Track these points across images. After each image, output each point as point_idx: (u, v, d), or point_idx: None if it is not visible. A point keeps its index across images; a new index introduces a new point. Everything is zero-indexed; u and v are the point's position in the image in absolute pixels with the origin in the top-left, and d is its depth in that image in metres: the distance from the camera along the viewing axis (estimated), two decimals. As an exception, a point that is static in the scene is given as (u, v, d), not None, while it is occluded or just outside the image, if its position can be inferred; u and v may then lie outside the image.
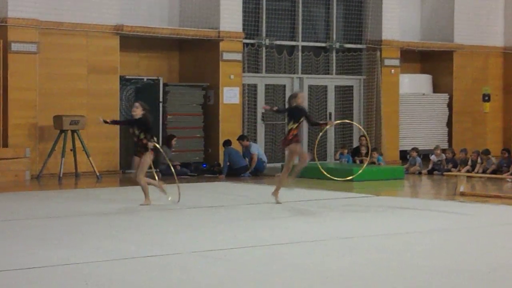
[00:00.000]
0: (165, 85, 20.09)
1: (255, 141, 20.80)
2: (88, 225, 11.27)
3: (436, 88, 24.19)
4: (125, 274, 8.01)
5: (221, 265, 8.47)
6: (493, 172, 18.52)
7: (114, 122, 14.75)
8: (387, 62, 22.61)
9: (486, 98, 24.44)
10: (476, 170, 18.80)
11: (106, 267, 8.37)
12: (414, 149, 20.31)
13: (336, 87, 22.56)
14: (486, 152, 19.28)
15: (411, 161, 19.99)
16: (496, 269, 8.25)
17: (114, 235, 10.35)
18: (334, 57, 22.48)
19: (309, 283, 7.62)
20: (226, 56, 20.27)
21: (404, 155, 22.65)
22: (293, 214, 12.60)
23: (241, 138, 19.38)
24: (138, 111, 13.07)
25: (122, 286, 7.55)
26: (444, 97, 23.98)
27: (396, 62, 22.76)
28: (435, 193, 16.55)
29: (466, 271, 8.18)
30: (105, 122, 13.66)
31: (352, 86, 22.75)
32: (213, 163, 19.78)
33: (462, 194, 15.08)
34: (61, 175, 17.71)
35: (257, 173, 19.10)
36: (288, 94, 21.64)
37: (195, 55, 20.68)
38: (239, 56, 20.47)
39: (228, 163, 18.90)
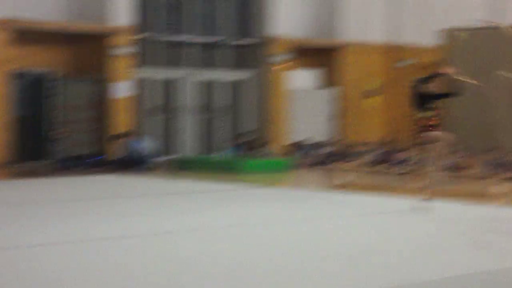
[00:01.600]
0: (55, 79, 20.12)
1: (148, 135, 21.06)
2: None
3: (325, 83, 24.90)
4: None
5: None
6: (376, 164, 19.26)
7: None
8: (277, 57, 23.15)
9: (371, 93, 25.27)
10: (360, 162, 19.52)
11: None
12: (297, 143, 20.95)
13: (227, 81, 22.98)
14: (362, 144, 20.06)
15: (297, 153, 20.60)
16: (361, 253, 8.78)
17: None
18: (225, 52, 22.89)
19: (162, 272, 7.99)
20: (116, 50, 20.43)
21: (294, 149, 23.33)
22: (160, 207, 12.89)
23: (126, 134, 19.59)
24: None
25: None
26: (333, 92, 24.71)
27: (286, 57, 23.32)
28: (316, 184, 17.18)
29: (333, 255, 8.68)
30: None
31: (243, 81, 23.22)
32: (106, 156, 19.97)
33: (342, 185, 15.72)
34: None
35: (149, 165, 19.38)
36: (181, 88, 22.04)
37: (87, 49, 20.76)
38: (129, 50, 20.66)
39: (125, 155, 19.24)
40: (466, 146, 19.46)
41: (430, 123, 12.16)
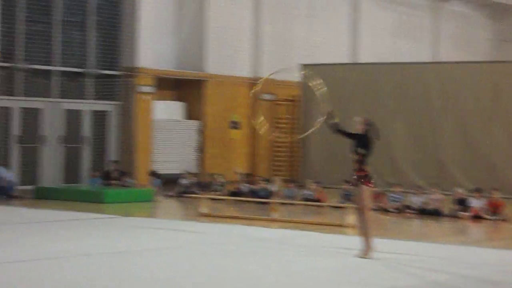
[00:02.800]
0: None
1: (7, 164, 20.98)
2: None
3: (189, 115, 25.41)
4: None
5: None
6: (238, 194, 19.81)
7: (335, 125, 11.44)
8: (141, 89, 23.51)
9: (234, 125, 25.97)
10: (222, 192, 20.04)
11: None
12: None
13: (91, 112, 23.15)
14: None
15: (156, 183, 20.90)
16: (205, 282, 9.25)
17: None
18: (90, 83, 23.08)
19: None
20: (-20, 78, 20.36)
21: (154, 178, 23.72)
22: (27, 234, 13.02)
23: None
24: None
25: None
26: (197, 123, 25.24)
27: (151, 89, 23.71)
28: (178, 214, 17.61)
29: (181, 283, 9.13)
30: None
31: (107, 112, 23.44)
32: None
33: (203, 215, 16.18)
34: None
35: (8, 194, 19.30)
36: (45, 118, 22.05)
37: None
38: (-7, 79, 20.63)
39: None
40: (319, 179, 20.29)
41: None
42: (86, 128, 23.00)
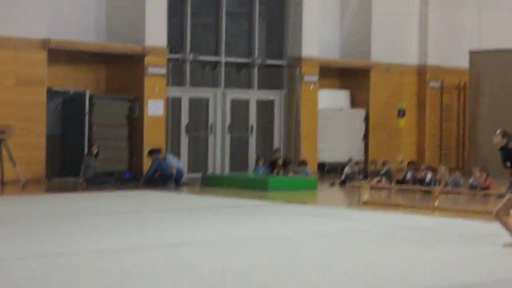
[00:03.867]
0: (91, 97, 20.87)
1: (178, 152, 21.74)
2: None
3: (354, 103, 25.39)
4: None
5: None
6: (402, 183, 19.61)
7: None
8: (306, 78, 23.71)
9: (401, 113, 25.71)
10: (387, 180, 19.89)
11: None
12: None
13: (257, 101, 23.58)
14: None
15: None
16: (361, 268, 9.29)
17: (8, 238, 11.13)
18: (256, 72, 23.52)
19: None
20: (150, 70, 21.14)
21: (322, 167, 23.93)
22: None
23: (155, 151, 20.17)
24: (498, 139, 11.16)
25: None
26: (361, 112, 25.18)
27: (315, 78, 23.88)
28: (339, 201, 17.66)
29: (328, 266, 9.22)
30: None
31: (273, 100, 23.80)
32: (137, 172, 20.65)
33: (365, 203, 16.16)
34: (-13, 183, 18.38)
35: (177, 182, 19.97)
36: (212, 107, 22.68)
37: (121, 68, 21.52)
38: (163, 70, 21.37)
39: (156, 172, 19.86)
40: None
41: None
42: (252, 117, 23.44)
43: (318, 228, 12.65)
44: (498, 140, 11.03)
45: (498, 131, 11.12)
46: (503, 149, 11.00)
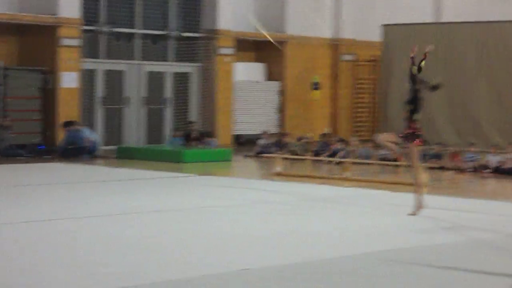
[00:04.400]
0: (4, 68, 20.60)
1: (92, 125, 21.66)
2: None
3: (269, 76, 25.64)
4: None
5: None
6: (315, 154, 19.99)
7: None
8: (222, 50, 23.83)
9: (315, 86, 26.07)
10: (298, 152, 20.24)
11: None
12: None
13: (173, 73, 23.62)
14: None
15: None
16: (274, 235, 9.54)
17: None
18: (172, 45, 23.53)
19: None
20: (64, 42, 20.97)
21: (237, 139, 24.16)
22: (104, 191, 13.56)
23: (69, 123, 20.11)
24: None
25: None
26: (277, 84, 25.46)
27: (231, 51, 24.02)
28: (253, 173, 17.92)
29: (253, 236, 9.45)
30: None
31: (188, 73, 23.87)
32: (51, 145, 20.53)
33: (278, 174, 16.45)
34: None
35: (92, 154, 19.94)
36: (128, 80, 22.66)
37: (34, 40, 21.28)
38: (77, 42, 21.21)
39: (70, 145, 19.78)
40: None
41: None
42: (168, 89, 23.48)
43: (230, 199, 12.85)
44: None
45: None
46: (413, 83, 11.05)
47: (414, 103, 11.14)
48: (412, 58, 11.20)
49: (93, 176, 16.29)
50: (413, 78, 11.15)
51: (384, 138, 11.75)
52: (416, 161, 11.30)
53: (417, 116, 11.12)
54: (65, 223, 10.30)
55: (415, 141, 11.13)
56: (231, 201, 12.51)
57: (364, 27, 26.42)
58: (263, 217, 11.07)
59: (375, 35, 25.24)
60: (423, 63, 11.12)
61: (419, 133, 11.13)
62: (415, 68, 11.14)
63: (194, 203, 12.25)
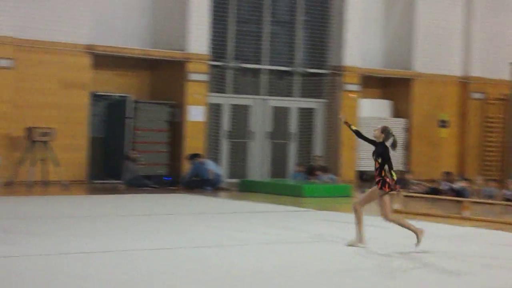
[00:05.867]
0: (134, 102, 21.38)
1: (217, 158, 22.13)
2: (42, 225, 12.52)
3: (396, 113, 25.51)
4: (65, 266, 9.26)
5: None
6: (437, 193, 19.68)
7: (356, 132, 11.60)
8: (348, 87, 23.92)
9: (443, 124, 25.74)
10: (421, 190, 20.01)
11: (41, 260, 9.61)
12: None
13: (298, 109, 23.86)
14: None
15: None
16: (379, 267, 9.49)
17: (48, 235, 11.55)
18: (297, 81, 23.81)
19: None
20: (192, 76, 21.58)
21: (361, 175, 24.11)
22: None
23: (195, 156, 20.60)
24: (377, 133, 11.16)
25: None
26: (403, 121, 25.29)
27: (357, 87, 24.07)
28: (370, 209, 17.79)
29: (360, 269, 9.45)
30: (346, 123, 11.70)
31: (313, 109, 24.06)
32: (176, 176, 21.08)
33: (396, 211, 16.29)
34: (30, 183, 18.93)
35: (215, 186, 20.34)
36: (253, 114, 23.06)
37: (164, 74, 22.00)
38: (205, 77, 21.78)
39: (194, 176, 20.27)
40: None
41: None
42: (293, 124, 23.73)
43: (341, 234, 12.85)
44: (377, 134, 11.09)
45: (379, 126, 11.24)
46: (378, 144, 11.04)
47: (382, 157, 10.97)
48: None
49: (215, 208, 16.62)
50: None
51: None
52: (386, 209, 11.27)
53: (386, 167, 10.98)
54: (191, 251, 10.56)
55: (384, 188, 11.04)
56: (339, 236, 12.50)
57: (493, 65, 25.99)
58: (375, 254, 11.03)
59: (505, 74, 24.79)
60: None
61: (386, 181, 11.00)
62: None
63: (295, 237, 12.31)
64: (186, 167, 20.86)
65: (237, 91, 22.99)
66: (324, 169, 21.64)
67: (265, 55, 23.28)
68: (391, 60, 25.53)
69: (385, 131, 11.11)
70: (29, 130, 19.15)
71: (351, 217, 15.38)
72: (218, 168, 21.10)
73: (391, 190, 11.15)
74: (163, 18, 21.88)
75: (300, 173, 21.77)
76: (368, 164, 24.20)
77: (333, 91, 23.98)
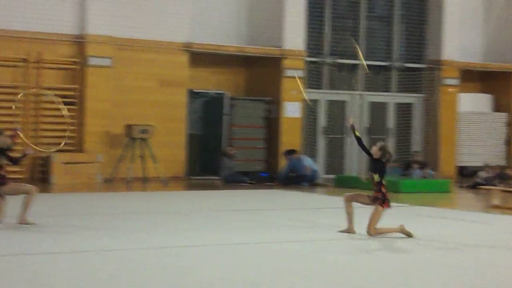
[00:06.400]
0: (231, 98, 21.58)
1: (313, 154, 22.13)
2: (135, 221, 12.77)
3: (496, 108, 24.99)
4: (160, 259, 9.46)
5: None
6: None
7: (358, 139, 11.56)
8: (446, 81, 23.57)
9: (544, 119, 25.10)
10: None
11: (138, 253, 9.82)
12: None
13: (396, 104, 23.64)
14: None
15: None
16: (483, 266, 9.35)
17: (149, 230, 11.77)
18: (395, 76, 23.59)
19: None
20: (288, 73, 21.63)
21: (461, 171, 23.71)
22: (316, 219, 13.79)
23: (290, 152, 20.61)
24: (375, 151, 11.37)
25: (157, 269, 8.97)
26: (504, 116, 24.76)
27: (456, 81, 23.69)
28: (468, 204, 17.51)
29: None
30: (351, 126, 11.74)
31: (411, 104, 23.79)
32: (273, 172, 21.18)
33: (495, 206, 16.00)
34: (130, 179, 19.35)
35: (312, 182, 20.35)
36: (350, 110, 22.96)
37: (259, 71, 22.13)
38: (301, 73, 21.80)
39: (290, 173, 20.32)
40: None
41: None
42: (391, 119, 23.52)
43: (438, 229, 12.69)
44: (374, 151, 11.31)
45: (378, 143, 11.43)
46: (375, 161, 11.30)
47: (380, 173, 11.27)
48: None
49: (310, 203, 16.65)
50: None
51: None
52: (374, 221, 11.30)
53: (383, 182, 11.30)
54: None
55: (382, 204, 11.25)
56: (439, 232, 12.34)
57: None
58: (465, 248, 10.86)
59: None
60: None
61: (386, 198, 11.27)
62: None
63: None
64: (283, 163, 20.92)
65: (333, 86, 22.93)
66: (422, 165, 21.38)
67: (362, 50, 23.10)
68: (491, 53, 25.00)
69: (383, 149, 11.40)
70: (129, 127, 19.55)
71: (448, 212, 15.25)
72: (315, 164, 21.09)
73: (389, 207, 11.44)
74: (259, 15, 22.00)
75: (397, 169, 21.55)
76: (468, 159, 23.87)
77: (432, 85, 23.67)
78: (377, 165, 11.36)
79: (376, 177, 11.32)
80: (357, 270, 9.03)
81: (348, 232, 11.58)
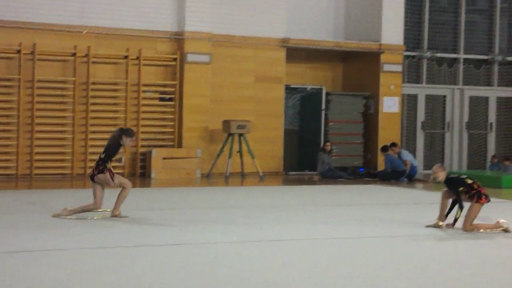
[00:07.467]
0: (327, 94, 21.51)
1: (413, 149, 21.86)
2: (230, 215, 12.88)
3: None
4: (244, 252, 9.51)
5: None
6: None
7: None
8: (550, 75, 22.97)
9: None
10: None
11: (235, 246, 9.90)
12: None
13: (497, 98, 23.14)
14: None
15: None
16: None
17: (247, 223, 11.84)
18: (496, 69, 23.09)
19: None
20: (386, 67, 21.42)
21: None
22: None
23: (389, 147, 20.36)
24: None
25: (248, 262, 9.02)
26: None
27: (561, 75, 23.05)
28: None
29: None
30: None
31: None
32: (371, 168, 21.01)
33: None
34: (227, 174, 19.50)
35: (411, 178, 20.10)
36: (449, 105, 22.61)
37: (357, 66, 21.98)
38: (399, 68, 21.56)
39: (390, 168, 20.12)
40: None
41: None
42: (492, 114, 23.04)
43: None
44: (441, 176, 11.39)
45: (436, 167, 11.50)
46: (448, 181, 11.35)
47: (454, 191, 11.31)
48: None
49: (408, 199, 16.47)
50: None
51: None
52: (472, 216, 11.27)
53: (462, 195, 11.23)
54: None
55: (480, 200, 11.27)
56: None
57: None
58: None
59: None
60: None
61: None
62: None
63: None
64: (381, 158, 20.72)
65: (432, 81, 22.60)
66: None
67: (461, 44, 22.73)
68: None
69: (441, 169, 11.50)
70: (226, 123, 19.70)
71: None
72: (414, 160, 20.83)
73: (488, 201, 11.35)
74: (356, 9, 21.85)
75: (499, 164, 21.09)
76: None
77: (534, 79, 23.08)
78: (452, 187, 11.33)
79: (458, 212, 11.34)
80: (465, 265, 8.88)
81: (435, 227, 11.50)
